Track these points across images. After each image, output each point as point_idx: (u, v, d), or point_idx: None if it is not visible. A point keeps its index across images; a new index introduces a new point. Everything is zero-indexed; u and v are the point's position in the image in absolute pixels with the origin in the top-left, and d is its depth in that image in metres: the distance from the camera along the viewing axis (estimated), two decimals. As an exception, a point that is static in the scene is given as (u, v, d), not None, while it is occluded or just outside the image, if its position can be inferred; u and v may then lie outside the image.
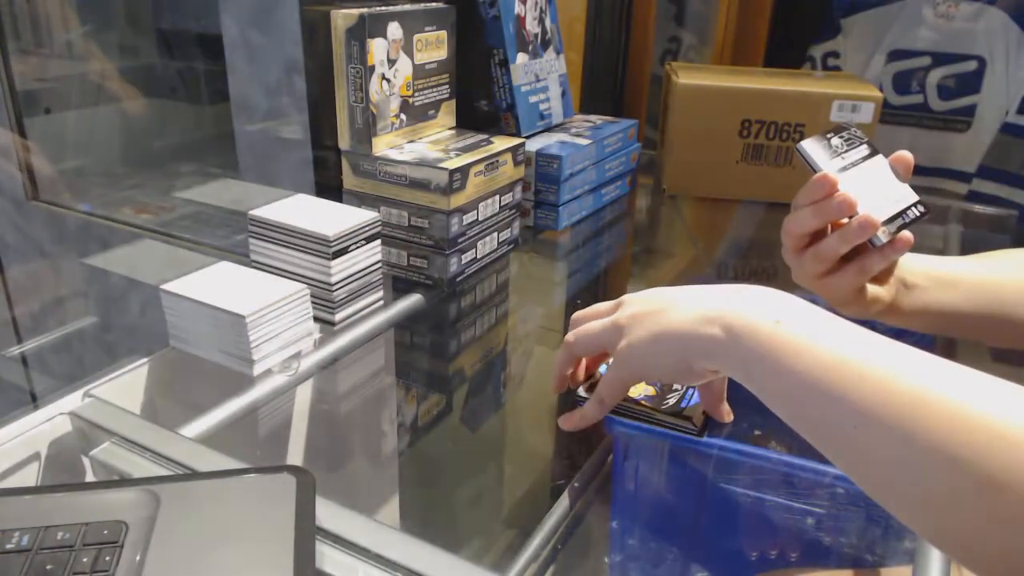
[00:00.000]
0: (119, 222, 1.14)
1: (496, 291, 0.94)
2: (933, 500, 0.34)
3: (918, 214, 0.56)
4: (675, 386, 0.57)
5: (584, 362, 0.58)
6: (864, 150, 0.58)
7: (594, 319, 0.52)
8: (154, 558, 0.40)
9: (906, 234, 0.54)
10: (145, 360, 0.67)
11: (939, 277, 0.59)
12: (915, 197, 0.56)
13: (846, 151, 0.57)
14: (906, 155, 0.56)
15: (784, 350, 0.40)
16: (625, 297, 0.51)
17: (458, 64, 0.94)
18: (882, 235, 0.54)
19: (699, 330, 0.44)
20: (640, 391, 0.57)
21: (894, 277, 0.58)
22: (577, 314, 0.55)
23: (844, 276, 0.55)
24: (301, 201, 0.78)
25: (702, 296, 0.46)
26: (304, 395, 0.73)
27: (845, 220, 0.54)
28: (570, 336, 0.53)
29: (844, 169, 0.56)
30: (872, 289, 0.57)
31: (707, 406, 0.54)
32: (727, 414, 0.54)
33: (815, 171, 0.55)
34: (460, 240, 0.84)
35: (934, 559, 0.46)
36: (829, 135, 0.58)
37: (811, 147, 0.57)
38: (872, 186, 0.55)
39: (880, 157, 0.57)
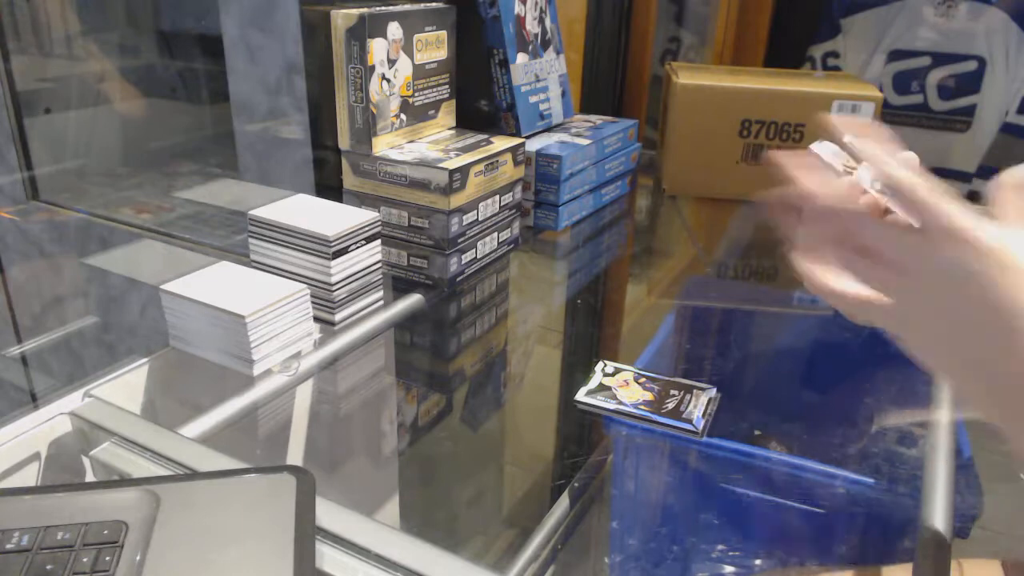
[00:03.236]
0: (119, 222, 1.14)
1: (496, 291, 0.94)
2: None
3: None
4: (672, 392, 0.57)
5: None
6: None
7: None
8: (154, 558, 0.40)
9: None
10: (145, 360, 0.67)
11: None
12: None
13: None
14: (911, 157, 0.56)
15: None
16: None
17: (458, 64, 0.94)
18: None
19: None
20: (638, 397, 0.57)
21: None
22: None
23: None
24: (301, 201, 0.78)
25: None
26: (304, 395, 0.73)
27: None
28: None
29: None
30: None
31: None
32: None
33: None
34: (460, 240, 0.84)
35: (934, 559, 0.46)
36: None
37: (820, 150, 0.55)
38: None
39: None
